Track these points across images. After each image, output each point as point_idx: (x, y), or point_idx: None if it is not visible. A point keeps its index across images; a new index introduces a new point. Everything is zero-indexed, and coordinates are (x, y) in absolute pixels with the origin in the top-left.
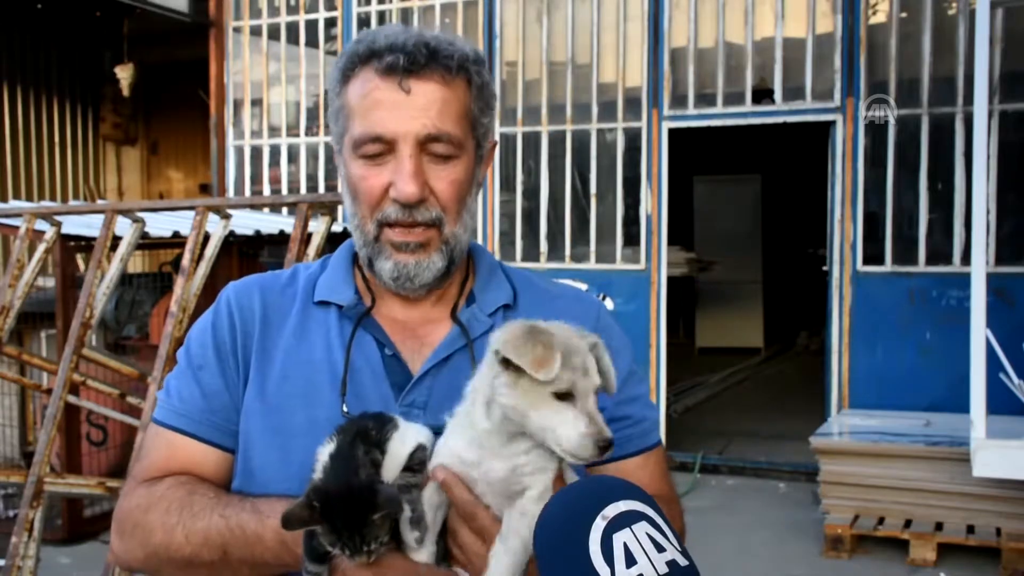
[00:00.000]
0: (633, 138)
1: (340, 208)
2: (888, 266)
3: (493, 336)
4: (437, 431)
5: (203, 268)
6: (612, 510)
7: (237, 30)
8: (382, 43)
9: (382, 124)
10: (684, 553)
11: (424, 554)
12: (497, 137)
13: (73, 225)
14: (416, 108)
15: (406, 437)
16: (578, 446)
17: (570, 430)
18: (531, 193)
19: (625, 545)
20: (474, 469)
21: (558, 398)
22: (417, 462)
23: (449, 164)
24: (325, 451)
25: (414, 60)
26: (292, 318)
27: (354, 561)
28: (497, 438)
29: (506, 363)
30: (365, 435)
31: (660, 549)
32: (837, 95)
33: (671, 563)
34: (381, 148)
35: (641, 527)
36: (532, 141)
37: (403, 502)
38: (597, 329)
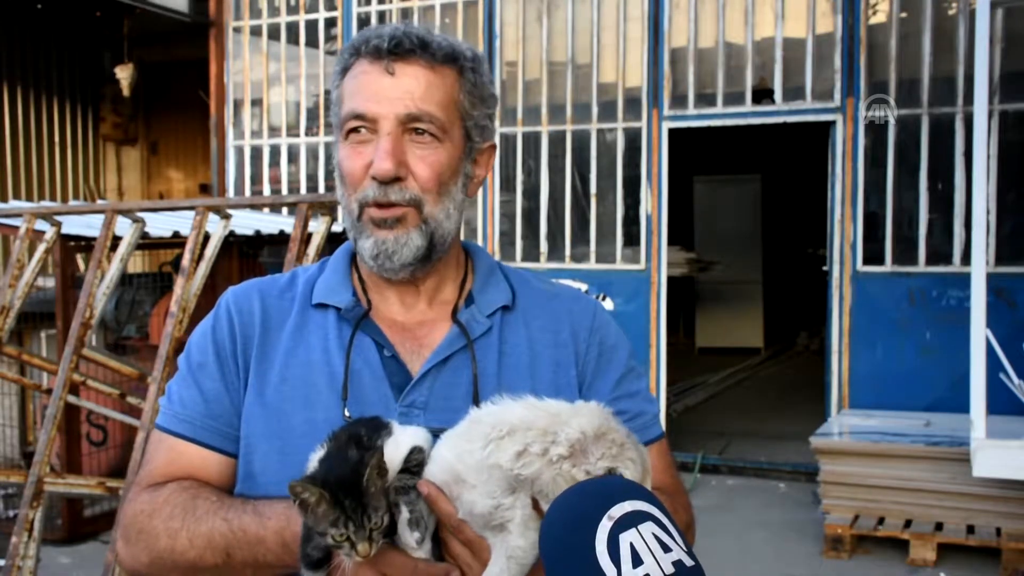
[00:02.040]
0: (633, 138)
1: (340, 208)
2: (888, 266)
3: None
4: (436, 433)
5: (203, 268)
6: (618, 510)
7: (237, 30)
8: (374, 32)
9: (365, 104)
10: (690, 553)
11: (423, 553)
12: (497, 139)
13: (73, 225)
14: (399, 89)
15: (401, 440)
16: None
17: None
18: (531, 193)
19: (632, 545)
20: (464, 490)
21: None
22: (415, 464)
23: (430, 146)
24: (316, 457)
25: (399, 44)
26: (291, 321)
27: (358, 550)
28: (498, 474)
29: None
30: (358, 440)
31: (666, 549)
32: (837, 95)
33: (677, 563)
34: (364, 127)
35: (647, 527)
36: (532, 141)
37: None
38: (594, 327)
